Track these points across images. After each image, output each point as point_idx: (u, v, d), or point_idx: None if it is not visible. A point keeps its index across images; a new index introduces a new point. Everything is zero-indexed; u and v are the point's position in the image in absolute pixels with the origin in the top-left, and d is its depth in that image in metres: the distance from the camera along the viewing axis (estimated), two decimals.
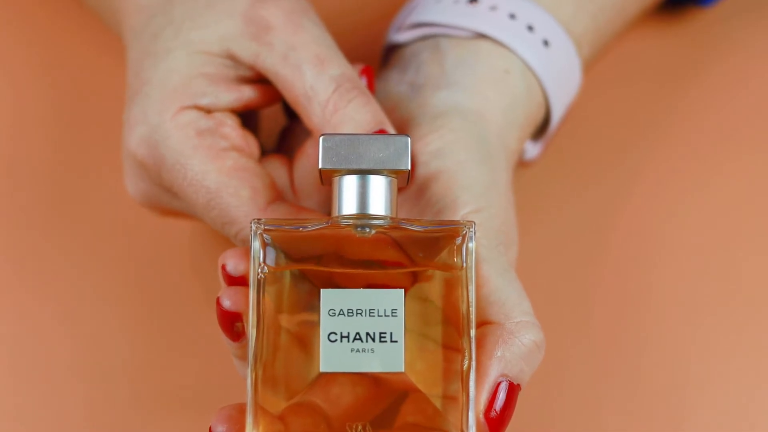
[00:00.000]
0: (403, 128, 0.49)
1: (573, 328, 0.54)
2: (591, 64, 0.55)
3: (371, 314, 0.41)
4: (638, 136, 0.58)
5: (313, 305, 0.41)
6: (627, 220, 0.56)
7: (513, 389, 0.42)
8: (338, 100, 0.45)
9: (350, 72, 0.46)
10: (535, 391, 0.52)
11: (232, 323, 0.42)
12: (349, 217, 0.42)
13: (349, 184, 0.42)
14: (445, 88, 0.49)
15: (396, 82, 0.51)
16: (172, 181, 0.46)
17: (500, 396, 0.42)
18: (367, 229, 0.42)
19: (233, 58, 0.46)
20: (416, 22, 0.52)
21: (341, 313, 0.41)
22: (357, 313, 0.41)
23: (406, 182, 0.43)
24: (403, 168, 0.42)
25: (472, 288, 0.41)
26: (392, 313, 0.41)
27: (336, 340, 0.41)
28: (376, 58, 0.56)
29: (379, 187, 0.42)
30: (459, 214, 0.45)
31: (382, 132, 0.45)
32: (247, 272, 0.42)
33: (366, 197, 0.42)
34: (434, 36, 0.51)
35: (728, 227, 0.56)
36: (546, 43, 0.51)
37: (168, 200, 0.48)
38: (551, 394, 0.53)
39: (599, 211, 0.56)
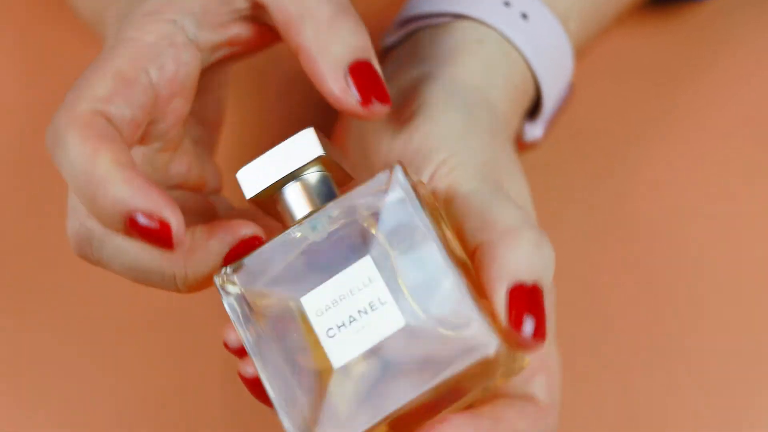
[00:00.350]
0: None
1: (577, 327, 0.54)
2: (590, 45, 0.55)
3: (353, 293, 0.41)
4: (638, 134, 0.58)
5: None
6: (629, 217, 0.56)
7: (534, 291, 0.40)
8: (334, 21, 0.44)
9: (348, 2, 0.45)
10: None
11: (261, 387, 0.42)
12: (295, 222, 0.43)
13: (286, 196, 0.43)
14: (415, 67, 0.50)
15: None
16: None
17: (514, 304, 0.40)
18: (317, 228, 0.42)
19: None
20: (401, 18, 0.53)
21: (327, 308, 0.41)
22: (341, 300, 0.41)
23: (341, 165, 0.44)
24: (315, 156, 0.43)
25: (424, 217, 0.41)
26: (369, 280, 0.41)
27: (335, 335, 0.41)
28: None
29: (305, 185, 0.43)
30: (434, 163, 0.45)
31: (372, 73, 0.44)
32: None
33: (300, 201, 0.43)
34: (416, 30, 0.52)
35: (732, 224, 0.56)
36: (524, 15, 0.51)
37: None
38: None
39: (600, 207, 0.57)
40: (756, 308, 0.54)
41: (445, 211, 0.44)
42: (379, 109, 0.43)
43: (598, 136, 0.58)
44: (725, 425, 0.52)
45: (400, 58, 0.51)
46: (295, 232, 0.42)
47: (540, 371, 0.44)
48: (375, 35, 0.57)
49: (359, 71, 0.43)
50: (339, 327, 0.41)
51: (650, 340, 0.54)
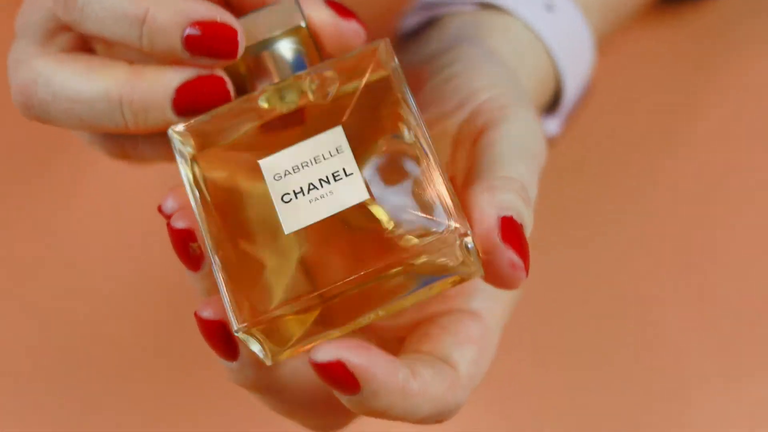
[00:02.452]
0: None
1: (569, 331, 0.53)
2: (608, 40, 0.55)
3: (317, 161, 0.40)
4: (653, 135, 0.58)
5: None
6: (641, 219, 0.56)
7: (518, 226, 0.39)
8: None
9: None
10: (536, 392, 0.52)
11: (186, 245, 0.40)
12: (262, 90, 0.41)
13: (256, 64, 0.42)
14: (452, 50, 0.48)
15: (405, 58, 0.50)
16: None
17: (508, 228, 0.39)
18: (287, 97, 0.41)
19: None
20: (422, 3, 0.52)
21: (287, 173, 0.40)
22: (303, 167, 0.40)
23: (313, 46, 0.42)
24: (296, 24, 0.41)
25: (406, 91, 0.40)
26: (337, 150, 0.39)
27: (291, 200, 0.39)
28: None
29: (284, 52, 0.42)
30: (481, 98, 0.44)
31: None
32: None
33: (271, 70, 0.42)
34: (440, 16, 0.52)
35: (746, 227, 0.55)
36: (549, 7, 0.51)
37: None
38: (555, 393, 0.53)
39: (614, 209, 0.56)
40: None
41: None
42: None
43: (612, 134, 0.58)
44: (726, 426, 0.52)
45: (427, 41, 0.51)
46: (262, 102, 0.41)
47: (471, 343, 0.41)
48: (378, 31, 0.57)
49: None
50: (296, 193, 0.39)
51: (668, 344, 0.53)
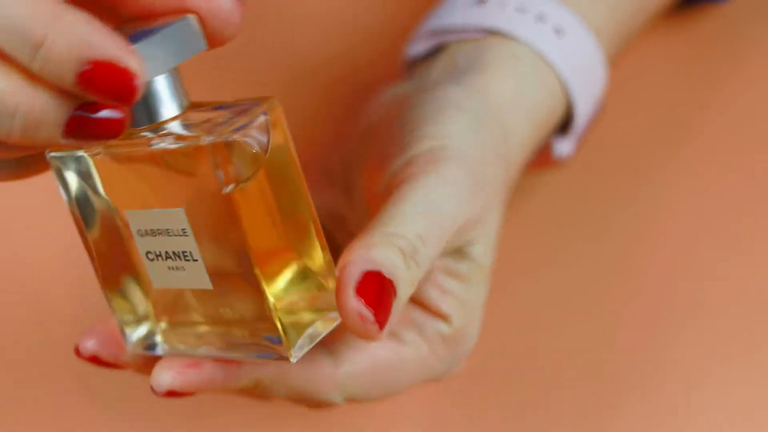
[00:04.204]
0: (406, 116, 0.47)
1: (568, 332, 0.53)
2: (614, 61, 0.55)
3: (169, 234, 0.39)
4: (663, 139, 0.57)
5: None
6: (631, 222, 0.55)
7: (384, 281, 0.39)
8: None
9: None
10: (536, 393, 0.52)
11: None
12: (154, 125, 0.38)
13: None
14: (453, 81, 0.48)
15: (408, 84, 0.50)
16: None
17: (367, 283, 0.39)
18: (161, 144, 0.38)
19: None
20: (429, 29, 0.52)
21: (147, 233, 0.39)
22: (158, 233, 0.39)
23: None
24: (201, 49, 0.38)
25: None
26: (182, 232, 0.38)
27: (153, 259, 0.39)
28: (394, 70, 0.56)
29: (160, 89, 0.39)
30: (428, 143, 0.44)
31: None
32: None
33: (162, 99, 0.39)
34: (447, 44, 0.51)
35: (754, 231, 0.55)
36: (558, 31, 0.51)
37: None
38: (557, 395, 0.52)
39: (624, 215, 0.56)
40: None
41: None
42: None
43: (621, 147, 0.57)
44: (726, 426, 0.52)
45: (434, 71, 0.50)
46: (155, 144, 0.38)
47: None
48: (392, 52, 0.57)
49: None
50: (157, 256, 0.39)
51: (667, 344, 0.53)
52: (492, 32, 0.50)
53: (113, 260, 0.41)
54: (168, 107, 0.38)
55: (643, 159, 0.57)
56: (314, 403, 0.45)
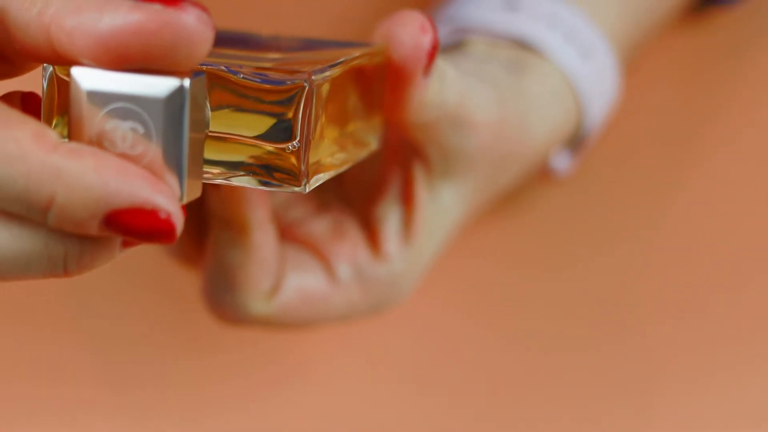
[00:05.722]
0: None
1: (566, 332, 0.53)
2: (630, 65, 0.55)
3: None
4: (662, 141, 0.57)
5: None
6: (631, 222, 0.55)
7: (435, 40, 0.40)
8: None
9: None
10: (533, 394, 0.52)
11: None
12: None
13: None
14: (501, 72, 0.48)
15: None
16: None
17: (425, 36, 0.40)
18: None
19: None
20: (456, 27, 0.50)
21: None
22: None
23: None
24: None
25: None
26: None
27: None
28: None
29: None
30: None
31: None
32: None
33: None
34: (474, 41, 0.50)
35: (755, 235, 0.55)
36: (584, 51, 0.50)
37: None
38: (557, 399, 0.52)
39: (624, 222, 0.56)
40: None
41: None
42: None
43: (625, 147, 0.57)
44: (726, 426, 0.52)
45: (474, 53, 0.49)
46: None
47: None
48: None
49: None
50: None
51: (667, 345, 0.53)
52: (523, 43, 0.49)
53: None
54: None
55: (646, 164, 0.57)
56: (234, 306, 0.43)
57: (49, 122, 0.34)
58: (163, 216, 0.31)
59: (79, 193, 0.31)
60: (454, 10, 0.51)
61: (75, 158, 0.31)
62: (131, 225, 0.31)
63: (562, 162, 0.52)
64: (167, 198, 0.31)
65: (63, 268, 0.33)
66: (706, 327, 0.53)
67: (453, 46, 0.50)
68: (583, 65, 0.50)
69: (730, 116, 0.57)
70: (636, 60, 0.56)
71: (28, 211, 0.31)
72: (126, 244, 0.33)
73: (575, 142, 0.52)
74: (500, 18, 0.49)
